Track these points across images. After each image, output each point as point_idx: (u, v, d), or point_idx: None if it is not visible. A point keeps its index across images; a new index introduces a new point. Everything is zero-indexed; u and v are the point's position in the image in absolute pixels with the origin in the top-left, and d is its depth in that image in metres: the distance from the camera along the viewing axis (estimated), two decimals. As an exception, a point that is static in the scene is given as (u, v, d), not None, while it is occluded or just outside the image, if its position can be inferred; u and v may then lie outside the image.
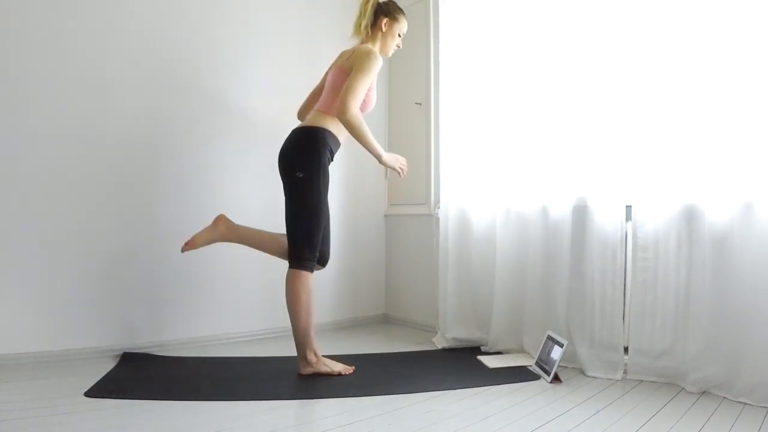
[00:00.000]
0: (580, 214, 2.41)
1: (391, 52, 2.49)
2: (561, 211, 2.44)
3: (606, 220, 2.30)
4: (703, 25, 2.07)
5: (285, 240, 2.31)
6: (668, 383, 2.13)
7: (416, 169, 3.30)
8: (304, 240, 2.21)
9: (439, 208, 2.97)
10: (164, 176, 2.68)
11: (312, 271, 2.22)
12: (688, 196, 2.13)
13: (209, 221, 2.45)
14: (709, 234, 2.03)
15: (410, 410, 1.86)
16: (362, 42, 2.42)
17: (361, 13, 2.41)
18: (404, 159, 2.45)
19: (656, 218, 2.20)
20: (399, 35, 2.47)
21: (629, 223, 2.29)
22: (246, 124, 2.93)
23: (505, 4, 2.71)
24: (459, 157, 2.86)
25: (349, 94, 2.19)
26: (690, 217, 2.13)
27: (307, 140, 2.23)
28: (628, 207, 2.29)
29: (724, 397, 1.96)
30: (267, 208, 2.84)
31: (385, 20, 2.41)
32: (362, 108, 2.30)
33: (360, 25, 2.40)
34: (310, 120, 2.30)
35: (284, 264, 2.27)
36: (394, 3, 2.48)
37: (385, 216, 3.51)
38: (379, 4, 2.43)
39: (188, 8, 2.75)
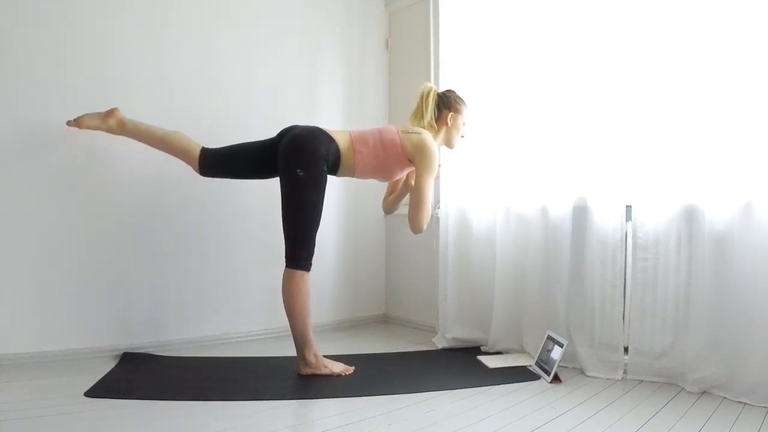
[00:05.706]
0: (580, 214, 2.41)
1: (455, 145, 2.47)
2: (561, 211, 2.44)
3: (606, 220, 2.30)
4: (702, 25, 2.08)
5: (180, 139, 2.32)
6: (668, 383, 2.13)
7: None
8: (301, 239, 2.18)
9: (439, 208, 2.97)
10: (164, 175, 2.67)
11: (308, 271, 2.20)
12: (688, 196, 2.13)
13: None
14: (709, 234, 2.03)
15: (410, 410, 1.86)
16: (422, 127, 2.35)
17: (420, 107, 2.37)
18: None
19: (656, 218, 2.20)
20: (464, 124, 2.45)
21: (629, 223, 2.29)
22: (246, 124, 2.92)
23: (505, 5, 2.71)
24: (459, 157, 2.85)
25: (421, 212, 2.24)
26: (690, 217, 2.13)
27: (315, 142, 2.19)
28: (628, 207, 2.28)
29: (724, 397, 1.96)
30: (268, 209, 2.84)
31: (450, 114, 2.38)
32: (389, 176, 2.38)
33: (422, 119, 2.35)
34: (334, 132, 2.27)
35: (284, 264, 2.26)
36: (454, 93, 2.45)
37: (385, 216, 3.50)
38: (439, 96, 2.39)
39: (186, 9, 2.75)
